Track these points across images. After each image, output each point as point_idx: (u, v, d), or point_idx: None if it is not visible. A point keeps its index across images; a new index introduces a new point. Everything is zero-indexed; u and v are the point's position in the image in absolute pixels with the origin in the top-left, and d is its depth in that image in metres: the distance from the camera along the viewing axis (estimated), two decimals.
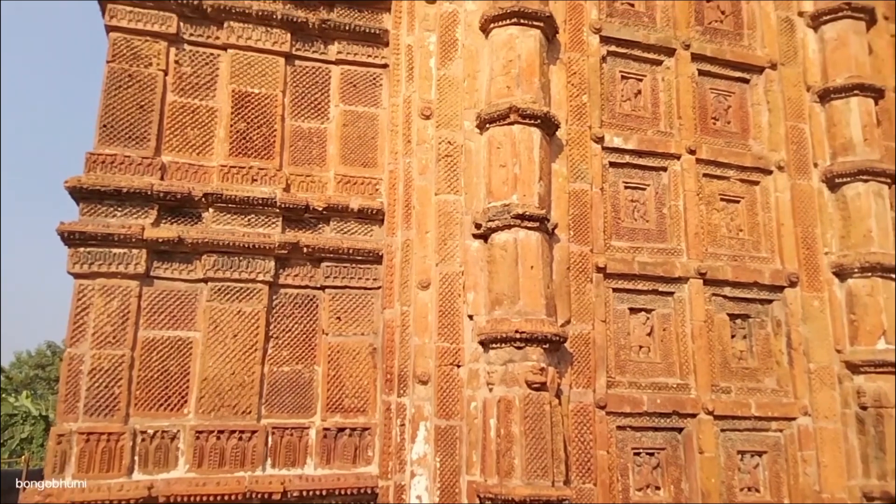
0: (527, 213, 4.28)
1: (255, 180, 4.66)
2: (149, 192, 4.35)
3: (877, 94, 5.12)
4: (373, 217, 4.84)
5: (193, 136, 4.66)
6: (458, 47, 4.83)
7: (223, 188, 4.53)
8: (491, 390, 4.08)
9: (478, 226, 4.45)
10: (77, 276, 4.24)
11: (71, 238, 4.21)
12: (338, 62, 5.07)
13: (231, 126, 4.71)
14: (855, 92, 5.04)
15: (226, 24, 4.79)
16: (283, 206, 4.61)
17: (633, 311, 4.77)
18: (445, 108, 4.73)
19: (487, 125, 4.57)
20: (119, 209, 4.35)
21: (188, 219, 4.50)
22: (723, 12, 5.34)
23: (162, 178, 4.48)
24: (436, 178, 4.61)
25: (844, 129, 5.04)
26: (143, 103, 4.55)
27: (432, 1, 4.91)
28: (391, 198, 4.82)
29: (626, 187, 4.98)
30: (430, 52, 4.85)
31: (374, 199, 4.89)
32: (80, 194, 4.29)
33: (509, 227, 4.30)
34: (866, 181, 4.91)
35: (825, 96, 5.14)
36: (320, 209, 4.70)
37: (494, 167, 4.50)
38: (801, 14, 5.34)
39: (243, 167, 4.66)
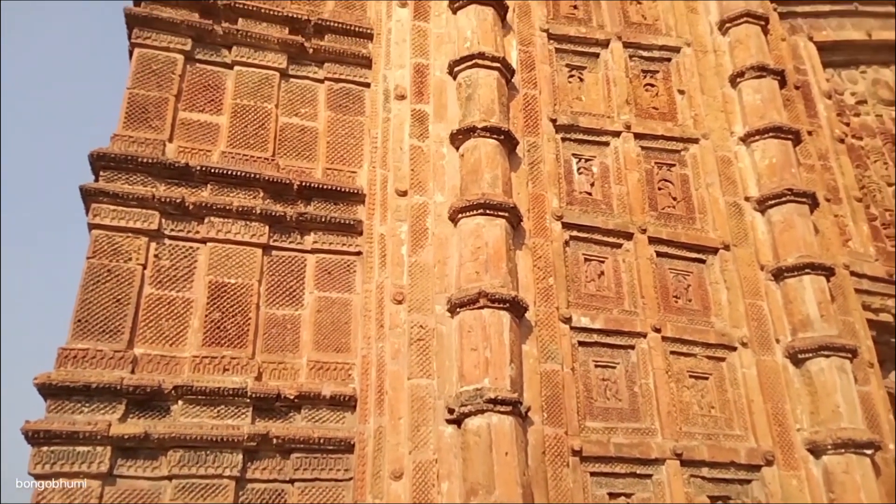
0: (499, 398, 4.30)
1: (227, 370, 4.67)
2: (118, 387, 4.33)
3: (827, 271, 5.39)
4: (345, 403, 4.82)
5: (168, 328, 4.73)
6: (428, 235, 5.08)
7: (194, 380, 4.52)
8: None
9: (451, 411, 4.44)
10: (38, 477, 4.09)
11: (35, 437, 4.11)
12: (313, 251, 5.29)
13: (206, 316, 4.80)
14: (806, 270, 5.31)
15: (206, 220, 5.03)
16: (254, 395, 4.58)
17: (612, 496, 4.65)
18: (417, 293, 4.88)
19: (458, 309, 4.70)
20: (87, 405, 4.29)
21: (156, 412, 4.44)
22: (674, 198, 5.73)
23: (133, 372, 4.48)
24: (408, 363, 4.66)
25: (801, 306, 5.25)
26: (119, 297, 4.65)
27: (403, 194, 5.23)
28: (364, 383, 4.83)
29: (597, 366, 5.05)
30: (402, 240, 5.09)
31: (347, 385, 4.89)
32: (49, 391, 4.26)
33: (482, 411, 4.29)
34: (828, 356, 5.03)
35: (779, 275, 5.40)
36: (292, 397, 4.68)
37: (466, 350, 4.58)
38: (747, 199, 5.74)
39: (216, 357, 4.69)
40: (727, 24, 6.23)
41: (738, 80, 6.04)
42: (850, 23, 7.29)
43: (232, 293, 4.92)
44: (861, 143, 6.78)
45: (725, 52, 6.20)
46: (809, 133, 6.30)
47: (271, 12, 5.78)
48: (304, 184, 5.31)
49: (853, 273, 5.84)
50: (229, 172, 5.13)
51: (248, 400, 4.58)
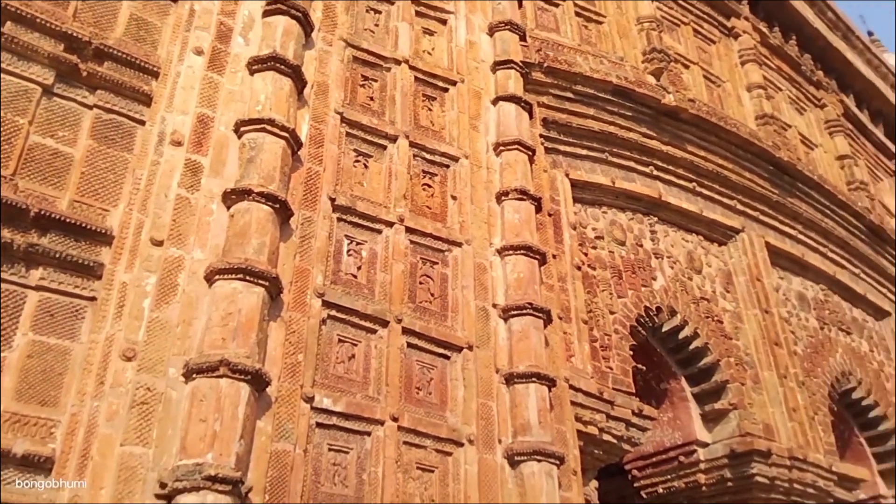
0: (220, 475, 4.08)
1: None
2: None
3: (550, 383, 5.95)
4: (40, 465, 4.23)
5: None
6: (178, 292, 4.81)
7: None
8: None
9: (163, 485, 4.11)
10: None
11: None
12: (38, 288, 4.70)
13: None
14: (533, 379, 5.82)
15: None
16: None
17: None
18: (151, 353, 4.56)
19: (195, 375, 4.46)
20: None
21: None
22: (432, 294, 6.04)
23: None
24: (125, 427, 4.28)
25: (524, 411, 5.71)
26: None
27: (159, 244, 4.92)
28: (67, 444, 4.30)
29: (330, 450, 5.00)
30: (147, 292, 4.76)
31: (47, 444, 4.32)
32: None
33: (198, 489, 4.04)
34: (540, 461, 5.48)
35: (510, 380, 5.86)
36: None
37: (194, 421, 4.32)
38: (494, 306, 6.22)
39: None
40: (501, 148, 6.90)
41: (503, 198, 6.66)
42: (599, 168, 8.45)
43: None
44: (595, 272, 7.74)
45: (496, 171, 6.84)
46: (554, 257, 7.07)
47: (48, 24, 5.27)
48: (42, 212, 4.76)
49: (572, 387, 6.51)
50: None
51: None
